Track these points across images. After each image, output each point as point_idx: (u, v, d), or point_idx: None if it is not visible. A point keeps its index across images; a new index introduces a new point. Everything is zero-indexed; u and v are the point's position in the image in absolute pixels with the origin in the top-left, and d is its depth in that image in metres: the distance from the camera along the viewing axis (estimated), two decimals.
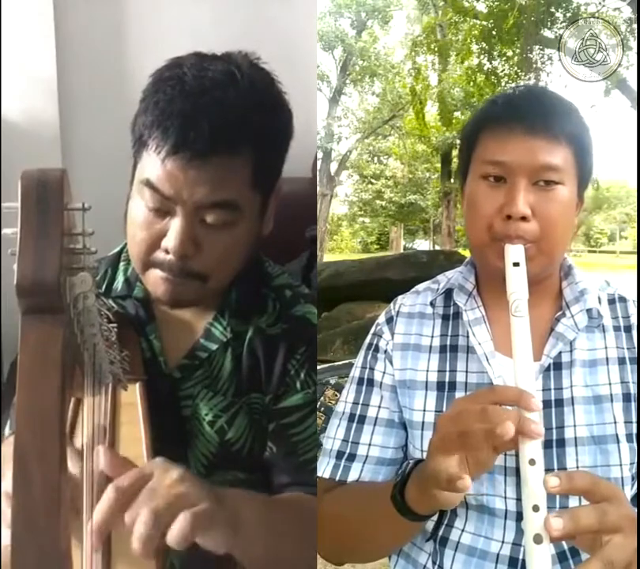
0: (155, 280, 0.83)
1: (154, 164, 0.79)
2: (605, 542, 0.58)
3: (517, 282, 0.72)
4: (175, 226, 0.80)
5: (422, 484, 0.69)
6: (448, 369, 0.85)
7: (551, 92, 0.84)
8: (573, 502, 0.74)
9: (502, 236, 0.77)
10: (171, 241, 0.80)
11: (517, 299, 0.70)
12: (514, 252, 0.75)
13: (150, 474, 0.65)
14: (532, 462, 0.62)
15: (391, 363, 0.88)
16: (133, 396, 0.81)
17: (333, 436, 0.88)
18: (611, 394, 0.80)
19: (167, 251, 0.81)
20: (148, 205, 0.80)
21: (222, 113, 0.78)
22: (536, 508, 0.61)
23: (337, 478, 0.86)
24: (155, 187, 0.79)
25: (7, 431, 0.86)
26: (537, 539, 0.59)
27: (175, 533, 0.62)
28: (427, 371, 0.86)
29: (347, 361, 1.17)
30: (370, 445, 0.86)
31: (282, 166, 0.88)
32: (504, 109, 0.81)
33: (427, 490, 0.68)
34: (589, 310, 0.83)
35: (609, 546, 0.57)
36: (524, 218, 0.76)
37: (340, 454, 0.87)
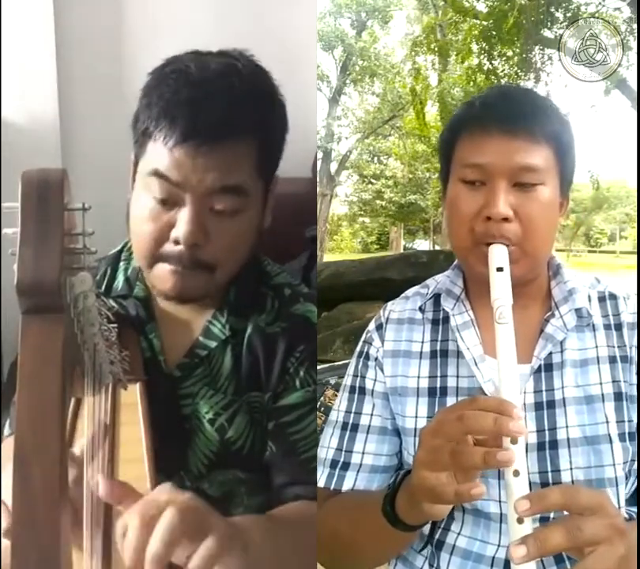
0: (163, 275, 0.83)
1: (162, 154, 0.79)
2: (588, 552, 0.57)
3: (501, 288, 0.70)
4: (184, 215, 0.80)
5: (411, 496, 0.69)
6: (439, 374, 0.84)
7: (529, 91, 0.84)
8: None
9: (483, 238, 0.76)
10: (181, 230, 0.80)
11: (501, 305, 0.69)
12: (498, 255, 0.73)
13: (160, 503, 0.60)
14: (516, 474, 0.61)
15: (382, 370, 0.88)
16: (133, 396, 0.81)
17: (327, 445, 0.88)
18: (602, 394, 0.79)
19: (176, 242, 0.81)
20: (156, 196, 0.81)
21: (227, 100, 0.80)
22: (520, 521, 0.59)
23: (332, 487, 0.85)
24: (164, 176, 0.79)
25: (7, 430, 0.86)
26: None
27: None
28: (418, 377, 0.85)
29: (347, 361, 1.16)
30: (363, 453, 0.85)
31: (282, 151, 0.89)
32: (480, 111, 0.80)
33: (415, 502, 0.68)
34: (578, 310, 0.82)
35: (590, 557, 0.56)
36: (505, 219, 0.75)
37: (334, 463, 0.86)
